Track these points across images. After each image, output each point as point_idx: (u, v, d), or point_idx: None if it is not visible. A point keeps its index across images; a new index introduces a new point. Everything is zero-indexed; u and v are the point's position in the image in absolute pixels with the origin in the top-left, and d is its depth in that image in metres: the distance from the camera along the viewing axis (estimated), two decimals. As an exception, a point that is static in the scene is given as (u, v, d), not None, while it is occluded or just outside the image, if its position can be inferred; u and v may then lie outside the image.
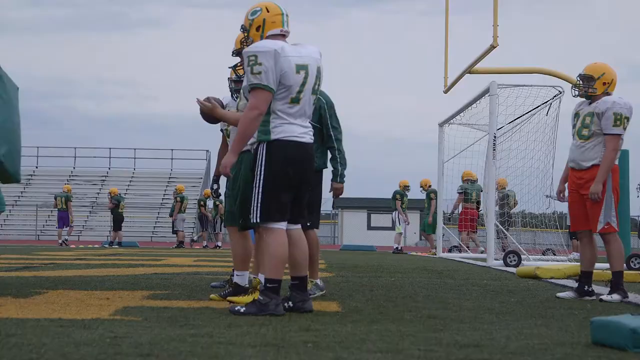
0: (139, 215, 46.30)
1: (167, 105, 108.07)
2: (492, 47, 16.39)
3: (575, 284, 9.20)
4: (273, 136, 6.35)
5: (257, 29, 6.66)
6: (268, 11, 6.66)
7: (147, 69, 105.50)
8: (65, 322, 5.60)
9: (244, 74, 7.52)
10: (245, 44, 6.81)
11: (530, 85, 18.25)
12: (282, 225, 6.41)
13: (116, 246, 29.74)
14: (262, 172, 6.34)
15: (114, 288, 8.68)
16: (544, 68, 17.85)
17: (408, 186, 27.78)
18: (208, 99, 7.55)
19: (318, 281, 8.35)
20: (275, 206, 6.37)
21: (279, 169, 6.36)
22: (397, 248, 27.14)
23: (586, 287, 8.56)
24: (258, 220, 6.34)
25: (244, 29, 6.79)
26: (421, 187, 27.07)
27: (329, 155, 8.26)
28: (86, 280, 9.71)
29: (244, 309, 6.23)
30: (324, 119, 8.15)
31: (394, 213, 27.64)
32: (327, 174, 8.23)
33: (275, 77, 6.30)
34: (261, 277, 7.05)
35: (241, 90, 7.45)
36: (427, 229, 26.59)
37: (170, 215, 32.05)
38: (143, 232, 44.82)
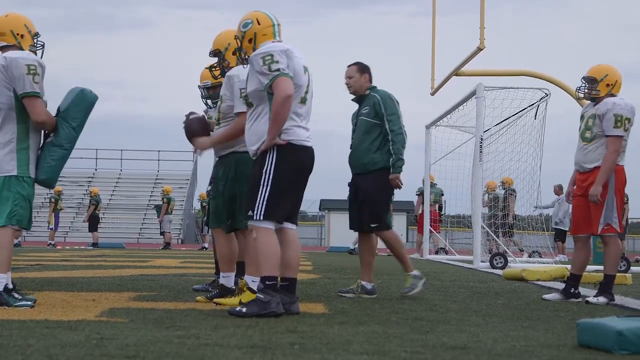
0: (125, 217, 46.23)
1: (154, 107, 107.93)
2: (479, 49, 16.41)
3: (561, 286, 9.20)
4: (283, 137, 6.40)
5: (250, 41, 6.71)
6: (259, 23, 6.70)
7: (135, 70, 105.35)
8: (51, 323, 5.59)
9: (219, 75, 7.57)
10: (239, 54, 6.86)
11: (517, 88, 18.27)
12: (274, 225, 6.43)
13: (90, 247, 29.65)
14: (272, 173, 6.38)
15: (100, 289, 8.67)
16: (531, 70, 17.88)
17: None
18: (189, 116, 7.62)
19: (414, 272, 8.61)
20: (279, 207, 6.43)
21: (289, 171, 6.44)
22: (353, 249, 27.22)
23: (572, 290, 8.57)
24: (261, 218, 6.34)
25: (237, 38, 6.83)
26: None
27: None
28: (72, 282, 9.69)
29: (245, 309, 6.20)
30: (380, 115, 8.43)
31: None
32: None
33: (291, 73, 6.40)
34: (247, 279, 7.07)
35: (221, 95, 7.45)
36: None
37: (158, 217, 32.02)
38: (129, 233, 44.72)
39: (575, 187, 8.73)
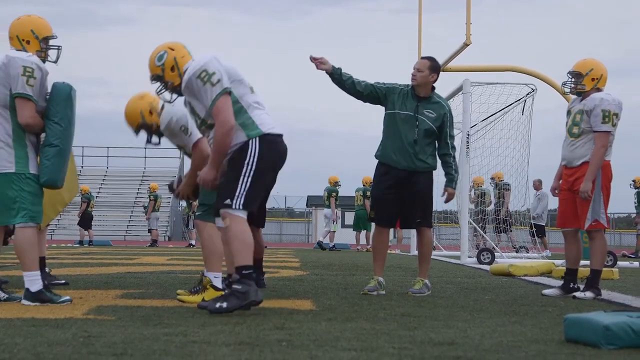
0: (112, 214, 46.15)
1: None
2: (466, 45, 16.43)
3: (548, 281, 9.22)
4: (264, 129, 6.41)
5: (172, 69, 6.63)
6: (173, 50, 6.66)
7: (119, 67, 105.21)
8: (38, 321, 5.58)
9: (170, 98, 7.09)
10: (163, 89, 6.73)
11: (504, 83, 18.32)
12: (246, 215, 6.39)
13: (86, 245, 29.62)
14: (254, 164, 6.34)
15: (87, 287, 8.65)
16: (517, 66, 17.90)
17: (338, 182, 27.68)
18: (173, 187, 7.78)
19: (427, 281, 8.63)
20: (257, 197, 6.44)
21: (270, 162, 6.45)
22: (320, 244, 27.18)
23: (572, 285, 8.59)
24: (240, 208, 6.28)
25: (156, 78, 6.69)
26: (363, 184, 26.96)
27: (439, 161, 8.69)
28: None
29: (225, 304, 6.12)
30: (445, 126, 8.52)
31: (328, 210, 27.48)
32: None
33: (227, 77, 6.35)
34: (209, 275, 7.25)
35: (176, 144, 7.50)
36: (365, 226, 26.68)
37: (145, 214, 31.99)
38: (116, 230, 44.66)
39: (561, 181, 8.74)
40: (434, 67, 8.54)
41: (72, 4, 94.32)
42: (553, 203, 27.81)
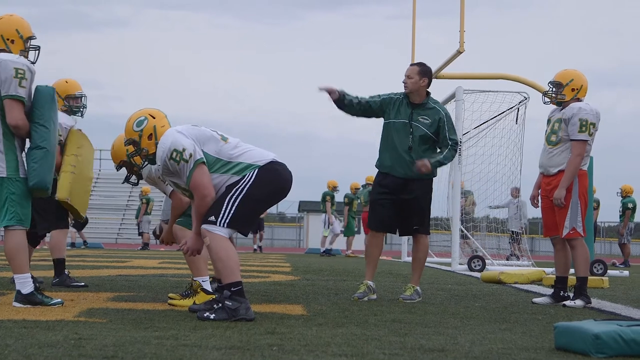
0: (104, 217, 46.06)
1: (131, 106, 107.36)
2: (459, 52, 16.46)
3: (539, 288, 9.23)
4: (261, 163, 6.37)
5: (150, 137, 6.58)
6: (154, 117, 6.61)
7: (111, 69, 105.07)
8: (29, 323, 5.58)
9: (141, 163, 6.99)
10: (138, 155, 6.69)
11: (496, 91, 18.35)
12: (229, 235, 6.33)
13: (83, 247, 29.60)
14: (246, 188, 6.29)
15: (79, 289, 8.64)
16: (510, 74, 17.94)
17: (336, 187, 27.60)
18: (156, 233, 7.92)
19: (418, 288, 8.68)
20: (246, 220, 6.34)
21: (268, 189, 6.40)
22: (326, 250, 27.14)
23: (562, 293, 8.61)
24: (224, 226, 6.21)
25: (131, 142, 6.64)
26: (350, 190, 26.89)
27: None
28: (50, 282, 9.64)
29: (213, 315, 6.11)
30: (442, 130, 8.52)
31: (324, 215, 27.38)
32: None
33: (197, 142, 6.31)
34: (198, 280, 7.30)
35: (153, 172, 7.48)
36: (348, 232, 26.72)
37: (137, 217, 31.95)
38: (108, 233, 44.57)
39: (540, 190, 8.80)
40: (424, 72, 8.57)
41: (66, 6, 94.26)
42: (531, 212, 27.87)
